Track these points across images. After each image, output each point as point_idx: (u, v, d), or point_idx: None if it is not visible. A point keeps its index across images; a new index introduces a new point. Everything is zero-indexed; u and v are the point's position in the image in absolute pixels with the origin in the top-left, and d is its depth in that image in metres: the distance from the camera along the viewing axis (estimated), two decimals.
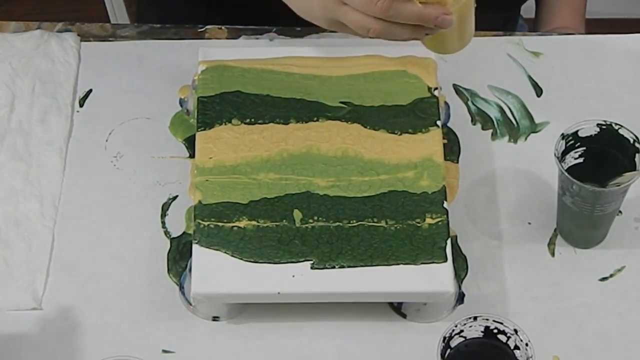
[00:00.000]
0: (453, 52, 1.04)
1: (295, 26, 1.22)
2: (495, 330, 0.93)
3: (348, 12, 0.97)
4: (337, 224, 1.02)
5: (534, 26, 1.38)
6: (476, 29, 1.19)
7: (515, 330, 0.92)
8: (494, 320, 0.93)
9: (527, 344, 0.92)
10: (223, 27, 1.23)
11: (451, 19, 0.96)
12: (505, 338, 0.93)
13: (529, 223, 1.08)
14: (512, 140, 1.14)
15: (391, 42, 1.19)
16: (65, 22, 1.23)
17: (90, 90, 1.17)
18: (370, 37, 0.99)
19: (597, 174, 1.01)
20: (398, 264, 1.00)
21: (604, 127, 1.02)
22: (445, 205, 1.03)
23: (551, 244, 1.07)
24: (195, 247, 1.01)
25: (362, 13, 0.96)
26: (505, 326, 0.93)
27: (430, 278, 0.99)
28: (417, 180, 1.04)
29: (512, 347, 0.93)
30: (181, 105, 1.15)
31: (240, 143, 1.07)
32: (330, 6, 0.99)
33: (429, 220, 1.02)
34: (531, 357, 0.91)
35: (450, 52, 1.04)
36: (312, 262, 1.00)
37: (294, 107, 1.09)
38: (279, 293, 0.99)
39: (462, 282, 1.04)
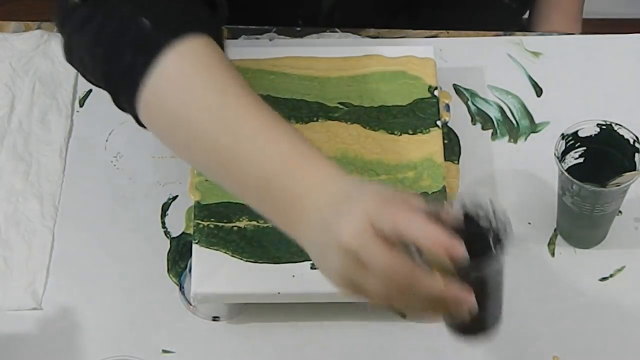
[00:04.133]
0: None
1: (295, 26, 1.22)
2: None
3: (369, 279, 0.83)
4: None
5: (528, 28, 1.38)
6: (476, 28, 1.20)
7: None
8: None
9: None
10: (223, 27, 1.23)
11: (472, 302, 0.83)
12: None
13: (529, 223, 1.08)
14: (512, 140, 1.14)
15: (391, 42, 1.20)
16: None
17: (90, 90, 1.17)
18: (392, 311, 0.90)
19: (597, 174, 1.01)
20: None
21: (604, 127, 1.02)
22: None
23: (551, 244, 1.07)
24: (195, 247, 1.01)
25: (378, 281, 0.82)
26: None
27: None
28: (417, 181, 1.04)
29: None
30: None
31: None
32: (350, 265, 0.83)
33: None
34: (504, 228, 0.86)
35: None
36: (312, 262, 1.00)
37: (294, 107, 1.09)
38: (279, 293, 0.99)
39: None
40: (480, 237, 0.85)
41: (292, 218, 0.87)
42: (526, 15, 1.39)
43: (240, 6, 1.25)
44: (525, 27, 1.37)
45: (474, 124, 1.16)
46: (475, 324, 0.90)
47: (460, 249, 0.81)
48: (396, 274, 0.82)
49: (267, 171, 0.87)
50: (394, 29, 1.23)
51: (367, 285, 0.83)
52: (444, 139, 1.08)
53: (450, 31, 1.23)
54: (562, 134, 1.02)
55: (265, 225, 1.02)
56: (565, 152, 1.02)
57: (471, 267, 0.83)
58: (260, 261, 1.00)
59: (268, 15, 1.26)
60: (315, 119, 1.09)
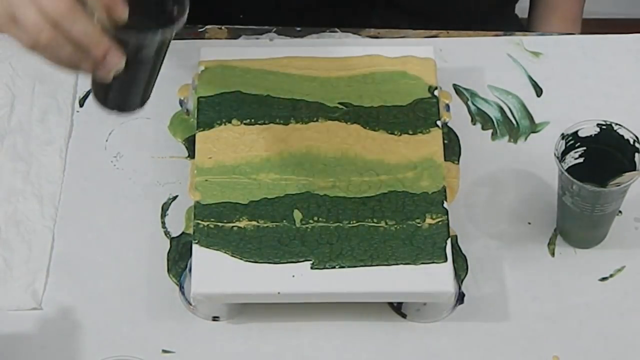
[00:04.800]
0: None
1: (295, 26, 1.23)
2: None
3: (30, 8, 0.88)
4: (337, 224, 1.02)
5: (527, 29, 1.38)
6: (476, 28, 1.20)
7: None
8: None
9: None
10: (223, 27, 1.23)
11: (118, 62, 0.88)
12: None
13: (529, 223, 1.08)
14: (512, 140, 1.14)
15: (391, 42, 1.20)
16: None
17: (90, 90, 1.17)
18: (36, 50, 0.90)
19: (597, 174, 1.01)
20: (398, 264, 1.00)
21: (604, 127, 1.02)
22: (445, 205, 1.03)
23: (551, 244, 1.07)
24: (195, 247, 1.01)
25: (42, 13, 0.87)
26: None
27: (430, 278, 0.99)
28: (417, 181, 1.04)
29: None
30: (181, 106, 1.15)
31: (240, 143, 1.07)
32: None
33: (429, 221, 1.02)
34: None
35: None
36: (312, 262, 1.00)
37: (294, 107, 1.09)
38: (279, 293, 0.99)
39: (462, 282, 1.04)
40: (151, 6, 0.89)
41: None
42: (525, 16, 1.39)
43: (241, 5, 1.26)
44: (525, 28, 1.38)
45: (474, 124, 1.16)
46: (117, 94, 0.92)
47: (120, 7, 0.86)
48: (56, 4, 0.86)
49: None
50: (394, 29, 1.23)
51: (24, 14, 0.87)
52: (444, 139, 1.08)
53: (450, 31, 1.23)
54: (562, 134, 1.02)
55: (265, 225, 1.02)
56: (565, 152, 1.02)
57: (129, 31, 0.86)
58: (260, 261, 1.00)
59: (268, 15, 1.26)
60: (315, 119, 1.09)
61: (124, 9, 0.88)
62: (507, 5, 1.37)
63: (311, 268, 1.00)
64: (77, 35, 0.88)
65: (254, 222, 1.02)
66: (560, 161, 1.01)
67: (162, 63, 0.92)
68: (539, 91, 1.18)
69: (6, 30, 0.91)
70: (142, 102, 0.94)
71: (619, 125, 1.02)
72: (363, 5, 1.27)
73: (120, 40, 0.87)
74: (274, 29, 1.22)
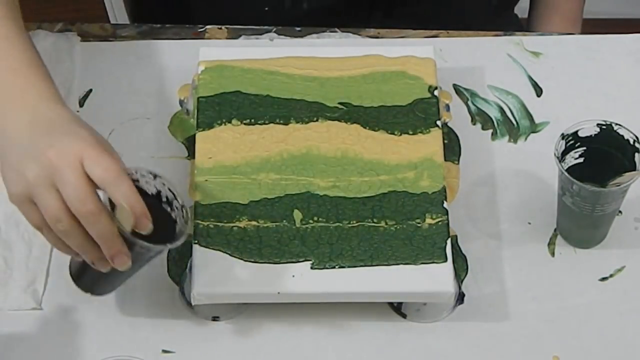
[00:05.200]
0: None
1: (295, 26, 1.23)
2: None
3: (50, 195, 0.90)
4: (337, 224, 1.02)
5: (527, 29, 1.38)
6: (475, 29, 1.20)
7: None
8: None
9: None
10: (223, 27, 1.23)
11: (125, 265, 0.92)
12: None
13: (529, 223, 1.08)
14: (512, 140, 1.14)
15: (391, 42, 1.20)
16: (65, 22, 1.23)
17: (90, 90, 1.17)
18: (58, 231, 0.91)
19: (597, 174, 1.01)
20: (398, 264, 1.00)
21: (604, 127, 1.02)
22: (445, 205, 1.03)
23: (551, 244, 1.07)
24: (195, 247, 1.01)
25: (62, 204, 0.89)
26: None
27: (430, 278, 0.99)
28: (417, 181, 1.04)
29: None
30: (181, 106, 1.15)
31: (240, 143, 1.07)
32: (42, 176, 0.90)
33: (429, 221, 1.02)
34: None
35: None
36: (312, 262, 1.00)
37: (294, 107, 1.09)
38: (279, 293, 0.99)
39: (462, 282, 1.04)
40: (165, 224, 0.95)
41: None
42: (525, 16, 1.39)
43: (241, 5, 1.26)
44: (525, 28, 1.38)
45: (474, 124, 1.16)
46: (96, 281, 0.98)
47: (149, 223, 0.91)
48: (84, 201, 0.88)
49: None
50: (394, 29, 1.23)
51: (46, 200, 0.90)
52: (444, 139, 1.08)
53: (450, 31, 1.23)
54: (562, 134, 1.02)
55: (265, 225, 1.02)
56: (565, 152, 1.02)
57: (142, 240, 0.91)
58: (260, 261, 1.00)
59: (268, 15, 1.26)
60: (315, 119, 1.09)
61: (150, 225, 0.91)
62: (506, 8, 1.37)
63: (311, 268, 1.00)
64: (96, 234, 0.90)
65: (254, 222, 1.02)
66: (560, 161, 1.01)
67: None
68: (539, 91, 1.18)
69: (19, 206, 0.93)
70: (111, 291, 1.01)
71: (619, 125, 1.02)
72: (362, 14, 1.27)
73: (128, 243, 0.91)
74: (274, 29, 1.22)
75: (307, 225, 1.02)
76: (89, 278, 0.98)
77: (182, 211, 0.95)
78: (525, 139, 1.14)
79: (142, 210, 0.90)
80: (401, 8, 1.28)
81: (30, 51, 0.98)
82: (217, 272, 0.99)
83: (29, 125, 0.93)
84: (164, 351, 1.01)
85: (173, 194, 0.96)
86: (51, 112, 0.94)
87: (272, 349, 1.01)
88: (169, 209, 0.96)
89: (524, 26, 1.38)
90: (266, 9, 1.26)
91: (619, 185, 0.99)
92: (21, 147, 0.92)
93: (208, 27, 1.23)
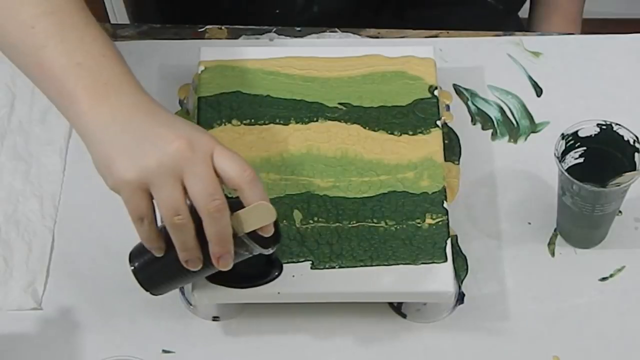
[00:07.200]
0: None
1: (295, 26, 1.23)
2: None
3: (176, 185, 0.87)
4: (337, 224, 1.02)
5: (527, 29, 1.38)
6: (472, 29, 1.19)
7: None
8: None
9: None
10: (223, 27, 1.23)
11: (227, 266, 0.90)
12: None
13: (529, 223, 1.08)
14: (512, 140, 1.14)
15: (391, 42, 1.20)
16: None
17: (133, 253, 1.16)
18: (172, 223, 0.88)
19: (597, 174, 1.01)
20: (398, 264, 1.00)
21: (604, 127, 1.02)
22: (445, 205, 1.03)
23: (551, 244, 1.07)
24: None
25: (184, 195, 0.87)
26: None
27: (430, 278, 0.99)
28: (417, 181, 1.04)
29: None
30: (181, 106, 1.15)
31: (240, 143, 1.07)
32: (170, 166, 0.86)
33: (429, 221, 1.02)
34: None
35: None
36: (312, 262, 1.00)
37: (294, 107, 1.09)
38: (279, 293, 0.99)
39: (462, 282, 1.04)
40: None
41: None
42: (526, 16, 1.39)
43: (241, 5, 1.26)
44: (525, 28, 1.38)
45: (474, 124, 1.16)
46: (163, 279, 0.95)
47: (272, 229, 0.90)
48: (214, 195, 0.86)
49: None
50: (394, 29, 1.23)
51: (168, 190, 0.86)
52: (444, 139, 1.08)
53: (450, 31, 1.23)
54: (562, 134, 1.02)
55: None
56: (565, 152, 1.02)
57: (253, 242, 0.90)
58: None
59: (268, 15, 1.26)
60: (315, 119, 1.09)
61: (273, 228, 0.90)
62: (513, 12, 1.37)
63: (311, 268, 1.00)
64: (214, 231, 0.88)
65: None
66: (560, 161, 1.01)
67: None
68: (539, 91, 1.18)
69: (126, 193, 0.89)
70: (167, 292, 0.97)
71: (619, 125, 1.02)
72: (371, 17, 1.27)
73: (236, 244, 0.90)
74: (274, 29, 1.22)
75: (307, 226, 1.02)
76: (158, 276, 0.95)
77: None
78: (525, 139, 1.14)
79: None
80: (410, 11, 1.28)
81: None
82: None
83: (134, 108, 0.90)
84: (164, 351, 1.01)
85: None
86: (154, 102, 0.92)
87: (272, 349, 1.01)
88: None
89: (524, 26, 1.38)
90: (277, 11, 1.25)
91: (619, 185, 0.99)
92: (130, 130, 0.88)
93: (208, 27, 1.23)
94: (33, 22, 0.93)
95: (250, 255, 0.93)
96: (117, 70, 0.92)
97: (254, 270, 0.98)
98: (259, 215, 0.89)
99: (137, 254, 0.94)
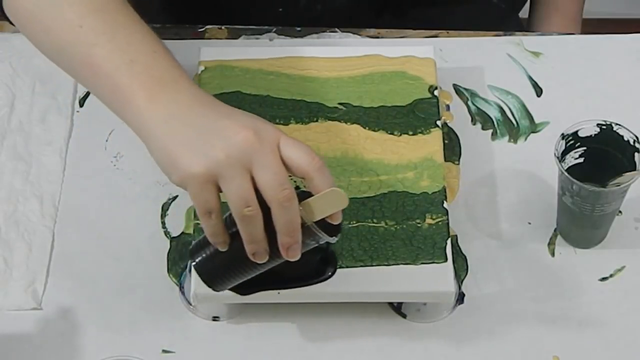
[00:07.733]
0: None
1: (295, 26, 1.23)
2: None
3: (246, 176, 0.86)
4: None
5: (527, 29, 1.38)
6: (474, 29, 1.19)
7: None
8: None
9: None
10: (223, 27, 1.23)
11: (294, 257, 0.89)
12: None
13: (529, 223, 1.08)
14: (512, 140, 1.14)
15: (391, 42, 1.20)
16: None
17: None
18: (242, 215, 0.86)
19: (597, 174, 1.01)
20: (398, 264, 1.00)
21: (604, 127, 1.02)
22: (445, 205, 1.03)
23: (551, 244, 1.07)
24: None
25: (253, 186, 0.86)
26: None
27: (430, 278, 0.99)
28: (417, 181, 1.04)
29: None
30: None
31: None
32: (235, 156, 0.85)
33: (429, 221, 1.02)
34: None
35: None
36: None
37: (294, 107, 1.09)
38: (279, 293, 0.99)
39: (462, 282, 1.04)
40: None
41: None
42: (526, 16, 1.39)
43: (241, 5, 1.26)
44: (525, 28, 1.38)
45: (474, 124, 1.16)
46: (217, 271, 0.93)
47: (340, 217, 0.89)
48: (284, 185, 0.85)
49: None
50: (394, 29, 1.23)
51: (238, 181, 0.85)
52: (444, 139, 1.08)
53: (450, 31, 1.23)
54: (562, 134, 1.02)
55: None
56: (565, 152, 1.02)
57: (319, 231, 0.89)
58: None
59: (268, 15, 1.26)
60: (315, 119, 1.09)
61: (341, 217, 0.90)
62: (515, 12, 1.37)
63: None
64: (284, 221, 0.87)
65: None
66: (560, 161, 1.01)
67: None
68: (539, 91, 1.18)
69: (194, 187, 0.87)
70: (224, 289, 0.95)
71: (619, 125, 1.02)
72: (373, 16, 1.27)
73: (304, 233, 0.89)
74: (274, 29, 1.22)
75: None
76: (220, 271, 0.93)
77: None
78: (525, 139, 1.14)
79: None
80: (412, 10, 1.28)
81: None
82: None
83: (192, 102, 0.89)
84: (164, 351, 1.01)
85: None
86: (210, 96, 0.91)
87: (272, 349, 1.01)
88: None
89: (524, 26, 1.38)
90: (280, 9, 1.25)
91: (619, 185, 0.99)
92: (191, 124, 0.87)
93: (208, 27, 1.23)
94: (80, 20, 0.92)
95: (316, 245, 0.91)
96: (169, 66, 0.92)
97: (308, 268, 0.97)
98: (331, 202, 0.88)
99: (197, 250, 0.93)
